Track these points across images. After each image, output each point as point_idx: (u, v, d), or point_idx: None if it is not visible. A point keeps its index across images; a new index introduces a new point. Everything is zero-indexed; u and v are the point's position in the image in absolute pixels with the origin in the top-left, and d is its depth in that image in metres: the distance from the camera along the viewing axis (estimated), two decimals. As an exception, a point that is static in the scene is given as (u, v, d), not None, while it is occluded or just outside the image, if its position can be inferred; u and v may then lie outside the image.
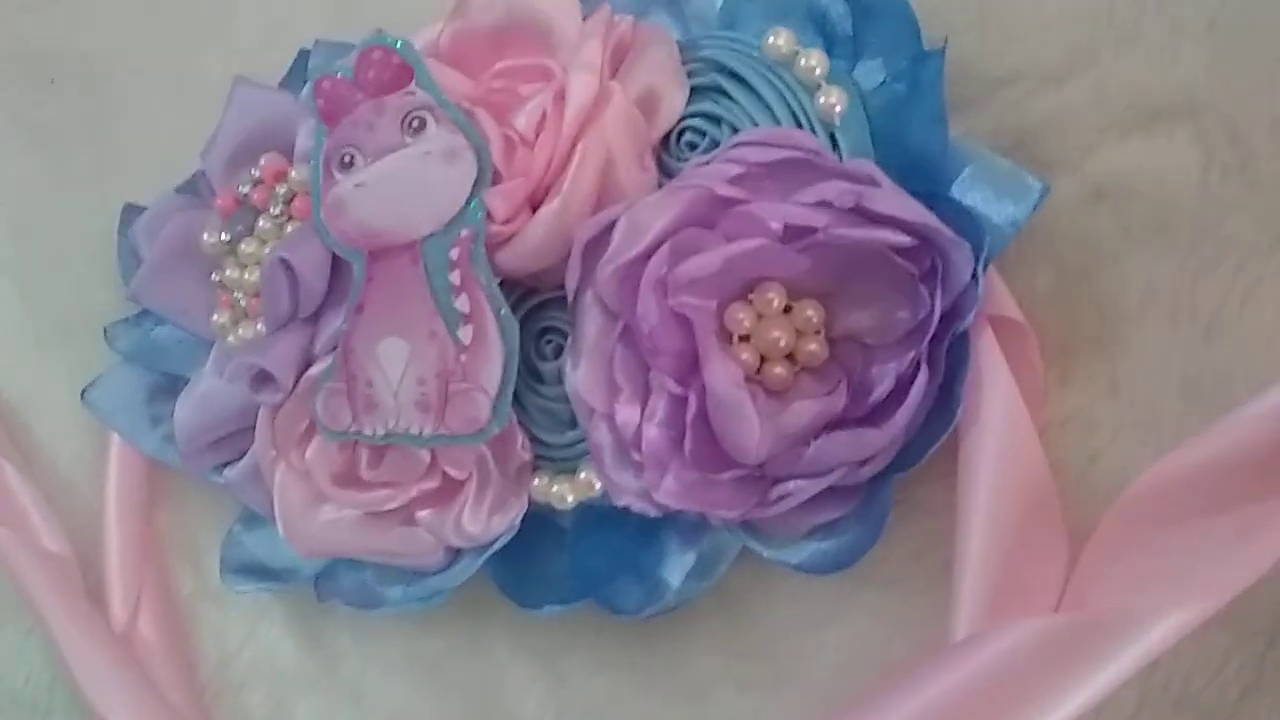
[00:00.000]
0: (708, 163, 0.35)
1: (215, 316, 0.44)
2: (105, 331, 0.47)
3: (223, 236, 0.44)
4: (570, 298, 0.37)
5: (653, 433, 0.36)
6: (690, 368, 0.36)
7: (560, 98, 0.37)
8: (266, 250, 0.43)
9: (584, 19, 0.39)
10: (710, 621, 0.39)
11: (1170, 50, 0.35)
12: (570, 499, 0.38)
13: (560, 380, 0.37)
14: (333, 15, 0.46)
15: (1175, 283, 0.34)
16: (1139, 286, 0.35)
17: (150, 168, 0.50)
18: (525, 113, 0.37)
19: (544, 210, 0.36)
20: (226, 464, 0.44)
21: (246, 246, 0.44)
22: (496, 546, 0.39)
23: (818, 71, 0.37)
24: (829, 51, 0.39)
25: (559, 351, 0.38)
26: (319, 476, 0.41)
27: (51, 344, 0.50)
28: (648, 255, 0.35)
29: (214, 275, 0.45)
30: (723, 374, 0.35)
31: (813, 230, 0.34)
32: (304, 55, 0.46)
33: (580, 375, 0.36)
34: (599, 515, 0.39)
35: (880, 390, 0.35)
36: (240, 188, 0.44)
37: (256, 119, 0.44)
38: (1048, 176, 0.36)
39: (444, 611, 0.41)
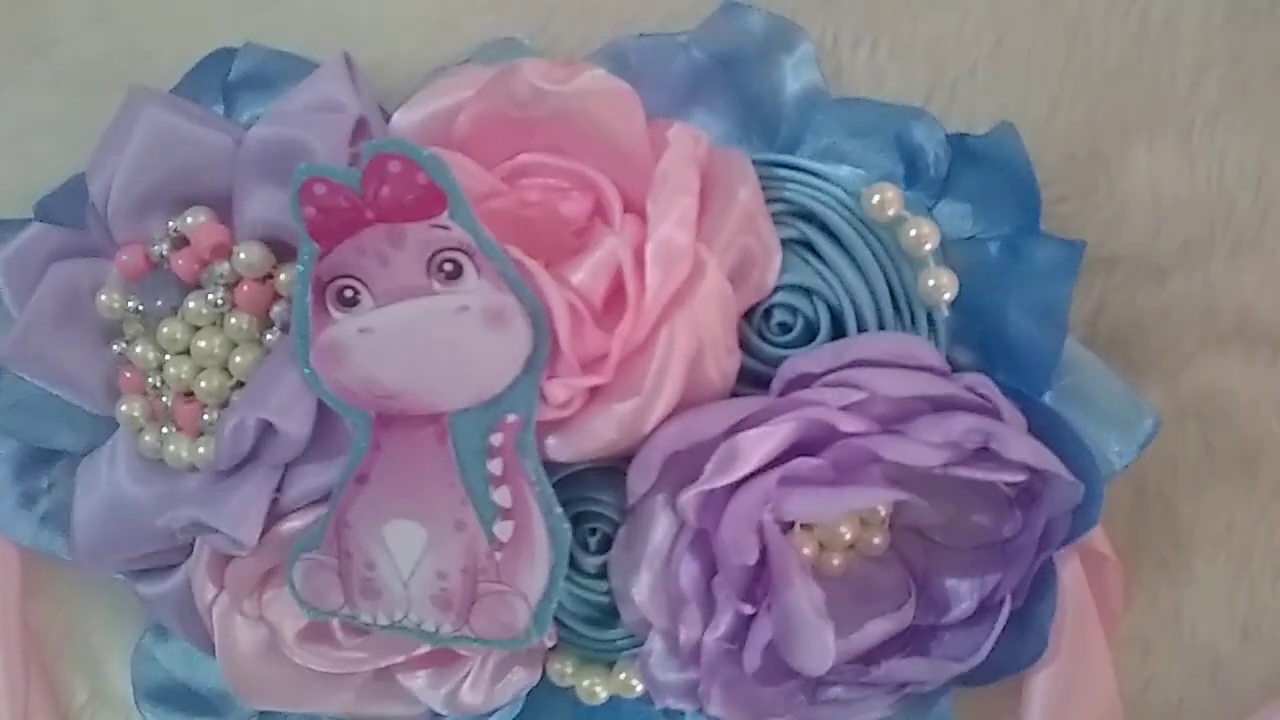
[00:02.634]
0: (819, 376, 0.30)
1: (123, 405, 0.35)
2: (-47, 393, 0.37)
3: (129, 304, 0.35)
4: (631, 499, 0.31)
5: (710, 643, 0.32)
6: (756, 577, 0.32)
7: (640, 259, 0.30)
8: (202, 343, 0.34)
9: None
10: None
11: (1289, 270, 0.33)
12: (603, 695, 0.34)
13: (603, 575, 0.33)
14: None
15: (1254, 524, 0.33)
16: (1218, 522, 0.34)
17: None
18: (587, 268, 0.30)
19: (618, 409, 0.30)
20: (139, 570, 0.37)
21: (169, 329, 0.35)
22: (496, 720, 0.35)
23: (928, 247, 0.32)
24: (908, 182, 0.34)
25: (605, 544, 0.33)
26: (283, 630, 0.35)
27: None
28: (742, 481, 0.30)
29: (115, 345, 0.36)
30: (807, 600, 0.31)
31: (929, 468, 0.30)
32: (220, 56, 0.36)
33: (643, 591, 0.32)
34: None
35: (958, 611, 0.33)
36: (154, 246, 0.35)
37: (175, 161, 0.34)
38: (1139, 381, 0.34)
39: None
